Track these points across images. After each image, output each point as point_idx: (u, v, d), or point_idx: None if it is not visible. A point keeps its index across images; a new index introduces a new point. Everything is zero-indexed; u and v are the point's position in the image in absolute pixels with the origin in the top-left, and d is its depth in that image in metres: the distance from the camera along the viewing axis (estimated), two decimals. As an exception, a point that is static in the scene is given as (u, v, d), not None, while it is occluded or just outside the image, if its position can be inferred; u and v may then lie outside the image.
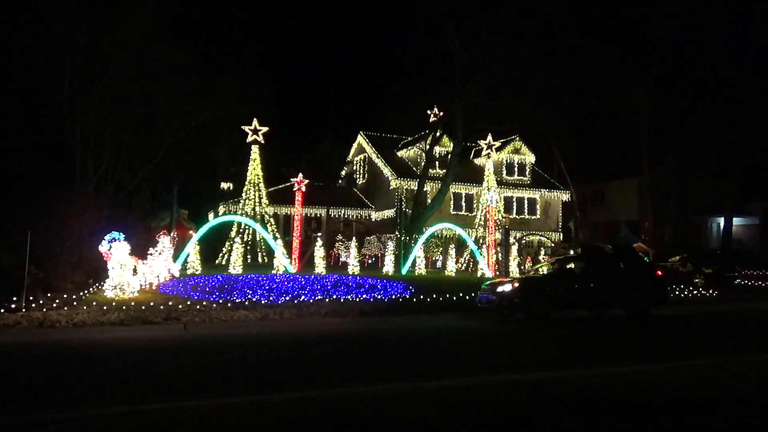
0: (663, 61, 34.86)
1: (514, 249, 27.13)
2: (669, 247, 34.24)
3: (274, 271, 22.75)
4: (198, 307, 13.80)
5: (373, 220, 38.08)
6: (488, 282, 16.38)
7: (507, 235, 26.46)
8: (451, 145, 34.01)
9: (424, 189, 33.62)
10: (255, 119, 29.18)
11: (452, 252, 26.59)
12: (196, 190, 41.16)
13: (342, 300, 16.02)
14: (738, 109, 35.07)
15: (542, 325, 13.78)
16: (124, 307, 13.10)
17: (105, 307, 13.01)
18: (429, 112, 36.83)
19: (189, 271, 21.87)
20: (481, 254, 27.27)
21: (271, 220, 30.80)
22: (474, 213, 35.99)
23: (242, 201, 30.19)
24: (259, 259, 29.11)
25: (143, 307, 13.21)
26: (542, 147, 40.51)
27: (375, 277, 21.77)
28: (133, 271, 15.94)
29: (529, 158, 40.12)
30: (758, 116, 34.94)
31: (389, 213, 35.99)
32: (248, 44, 40.58)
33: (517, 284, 14.73)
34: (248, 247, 28.62)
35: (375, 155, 38.88)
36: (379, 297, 16.83)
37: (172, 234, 24.25)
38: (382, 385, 6.98)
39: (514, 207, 38.78)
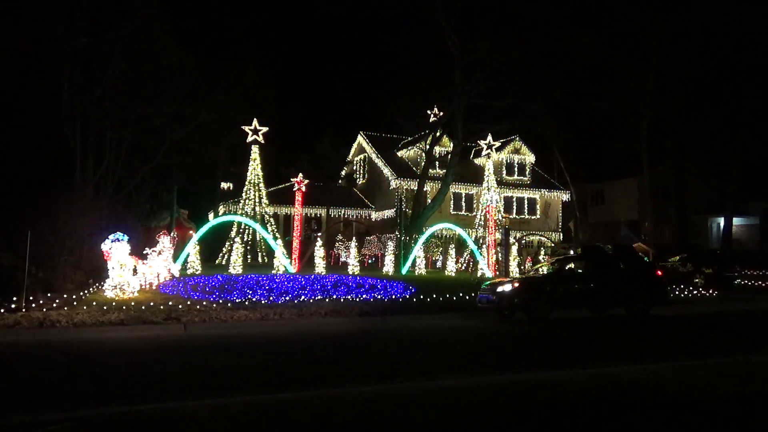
0: (663, 61, 34.84)
1: (514, 249, 27.12)
2: (669, 247, 34.24)
3: (274, 271, 22.73)
4: (198, 307, 13.79)
5: (373, 220, 38.08)
6: (488, 282, 16.38)
7: (507, 235, 26.45)
8: (451, 145, 33.99)
9: (424, 189, 33.60)
10: (255, 119, 29.17)
11: (452, 252, 26.57)
12: (196, 190, 41.16)
13: (342, 300, 16.01)
14: (738, 110, 35.05)
15: (542, 325, 13.78)
16: (124, 307, 13.09)
17: (105, 307, 13.00)
18: (429, 112, 36.83)
19: (189, 271, 21.84)
20: (481, 254, 27.26)
21: (271, 220, 30.79)
22: (474, 213, 35.96)
23: (242, 201, 30.17)
24: (259, 259, 29.08)
25: (143, 307, 13.20)
26: (542, 147, 40.50)
27: (375, 277, 21.75)
28: (133, 271, 15.92)
29: (529, 158, 40.10)
30: (758, 116, 34.91)
31: (389, 213, 35.98)
32: (248, 44, 40.68)
33: (517, 284, 14.72)
34: (248, 247, 28.60)
35: (375, 155, 38.88)
36: (379, 297, 16.82)
37: (172, 234, 24.23)
38: (382, 385, 6.99)
39: (514, 207, 38.75)
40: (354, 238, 27.67)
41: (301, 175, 27.66)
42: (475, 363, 9.19)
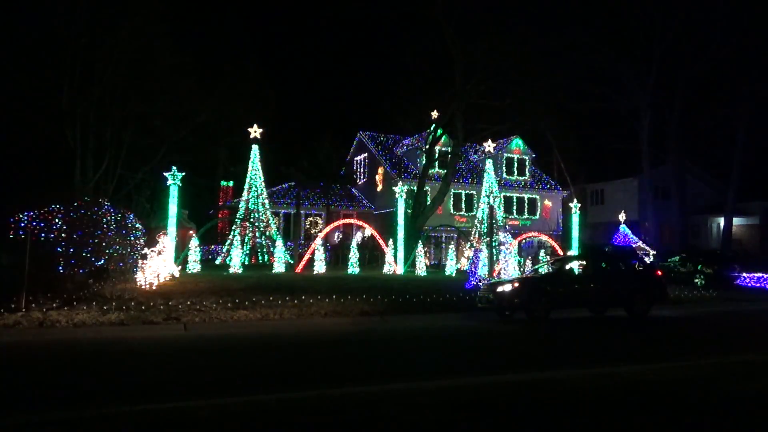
0: (663, 61, 34.86)
1: (514, 249, 27.08)
2: (669, 247, 34.24)
3: (274, 272, 22.73)
4: (198, 307, 13.79)
5: (372, 220, 38.04)
6: (488, 282, 16.38)
7: (507, 236, 26.44)
8: (451, 145, 34.00)
9: (424, 189, 33.61)
10: (255, 125, 29.13)
11: (452, 252, 26.55)
12: (196, 190, 41.13)
13: (342, 300, 16.01)
14: (738, 109, 35.07)
15: (542, 325, 13.77)
16: (124, 307, 13.09)
17: (105, 307, 13.00)
18: (429, 112, 36.79)
19: (189, 271, 21.85)
20: (480, 254, 27.19)
21: (271, 219, 30.77)
22: (474, 213, 35.99)
23: (242, 201, 30.16)
24: (259, 259, 29.09)
25: (143, 307, 13.20)
26: (542, 147, 40.53)
27: (375, 276, 21.75)
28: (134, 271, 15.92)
29: (529, 158, 40.13)
30: (758, 116, 34.94)
31: (389, 213, 35.95)
32: (248, 44, 40.68)
33: (517, 284, 14.71)
34: (248, 247, 28.59)
35: (375, 155, 38.88)
36: (379, 297, 16.81)
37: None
38: (382, 385, 6.99)
39: (514, 207, 38.78)
40: (354, 238, 27.65)
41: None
42: (475, 363, 9.18)
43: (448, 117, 32.97)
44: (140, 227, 19.59)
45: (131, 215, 19.21)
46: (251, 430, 5.25)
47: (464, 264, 30.38)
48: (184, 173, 21.65)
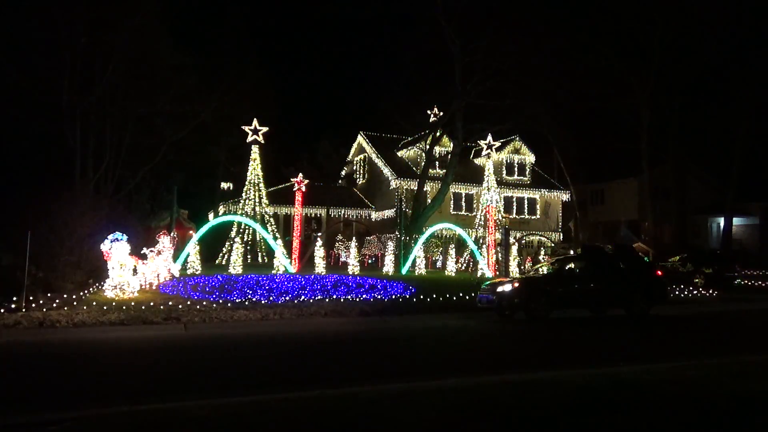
0: (663, 61, 34.86)
1: (514, 249, 27.12)
2: (669, 247, 34.24)
3: (274, 271, 22.73)
4: (198, 307, 13.79)
5: (373, 220, 38.07)
6: (488, 282, 16.38)
7: (507, 235, 26.45)
8: (451, 145, 34.00)
9: (424, 189, 33.61)
10: (255, 119, 29.16)
11: (452, 252, 26.57)
12: (196, 190, 41.17)
13: (342, 300, 16.01)
14: (738, 109, 35.08)
15: (542, 325, 13.78)
16: (124, 307, 13.09)
17: (105, 307, 13.01)
18: (429, 112, 36.81)
19: (189, 271, 21.84)
20: (481, 254, 27.25)
21: (271, 220, 30.77)
22: (474, 213, 35.97)
23: (242, 201, 30.17)
24: (259, 259, 29.07)
25: (143, 307, 13.20)
26: (542, 147, 40.50)
27: (375, 277, 21.75)
28: (133, 271, 15.91)
29: (529, 158, 40.11)
30: (758, 116, 34.94)
31: (389, 213, 35.97)
32: (248, 44, 40.65)
33: (517, 284, 14.72)
34: (248, 247, 28.58)
35: (375, 155, 38.88)
36: (379, 297, 16.82)
37: (172, 234, 24.21)
38: (382, 385, 6.99)
39: (514, 207, 38.76)
40: (354, 238, 27.67)
41: (301, 175, 27.65)
42: (476, 363, 9.18)
43: (448, 117, 32.97)
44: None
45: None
46: (251, 430, 5.25)
47: (463, 264, 30.38)
48: (184, 174, 21.65)
